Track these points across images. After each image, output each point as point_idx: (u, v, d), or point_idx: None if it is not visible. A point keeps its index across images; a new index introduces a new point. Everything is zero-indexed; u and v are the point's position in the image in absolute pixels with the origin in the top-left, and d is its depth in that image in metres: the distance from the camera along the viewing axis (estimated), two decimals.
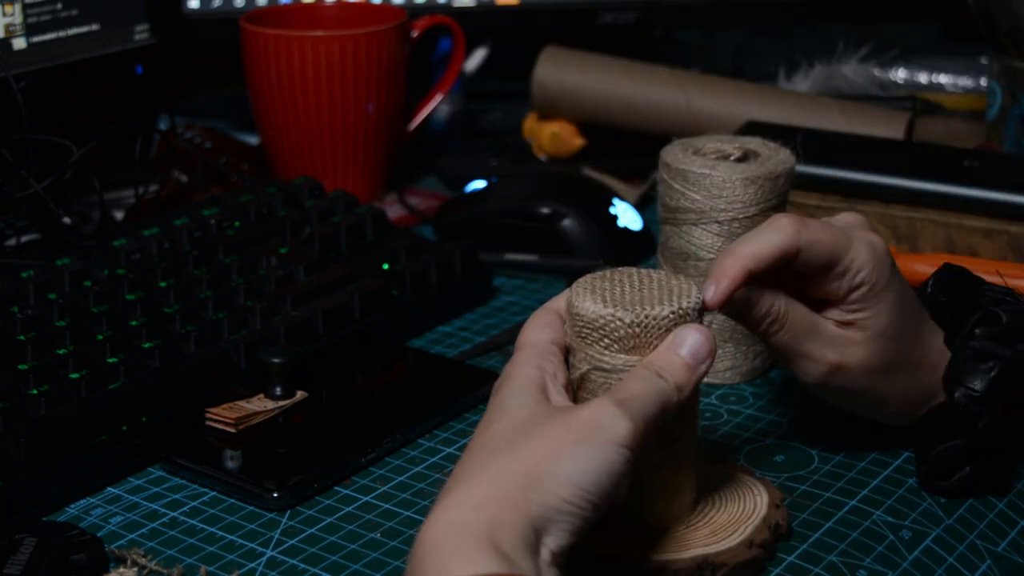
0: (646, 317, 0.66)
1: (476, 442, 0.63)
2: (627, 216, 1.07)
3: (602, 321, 0.66)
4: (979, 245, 1.01)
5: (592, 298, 0.67)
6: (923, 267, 0.98)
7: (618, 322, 0.66)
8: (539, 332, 0.68)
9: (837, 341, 0.74)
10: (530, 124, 1.26)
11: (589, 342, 0.67)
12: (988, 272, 0.97)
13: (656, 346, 0.66)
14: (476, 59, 1.34)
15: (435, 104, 1.22)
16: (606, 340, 0.67)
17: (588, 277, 0.69)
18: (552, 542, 0.60)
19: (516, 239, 1.05)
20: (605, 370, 0.67)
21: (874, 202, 1.05)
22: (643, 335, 0.66)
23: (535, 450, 0.61)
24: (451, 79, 1.22)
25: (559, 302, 0.70)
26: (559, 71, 1.22)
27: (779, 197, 0.87)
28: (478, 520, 0.58)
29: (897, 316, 0.74)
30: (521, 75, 1.25)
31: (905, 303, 0.75)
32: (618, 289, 0.68)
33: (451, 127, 1.33)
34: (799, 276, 0.73)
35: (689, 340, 0.66)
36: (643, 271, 0.70)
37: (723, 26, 1.46)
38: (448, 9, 1.26)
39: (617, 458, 0.61)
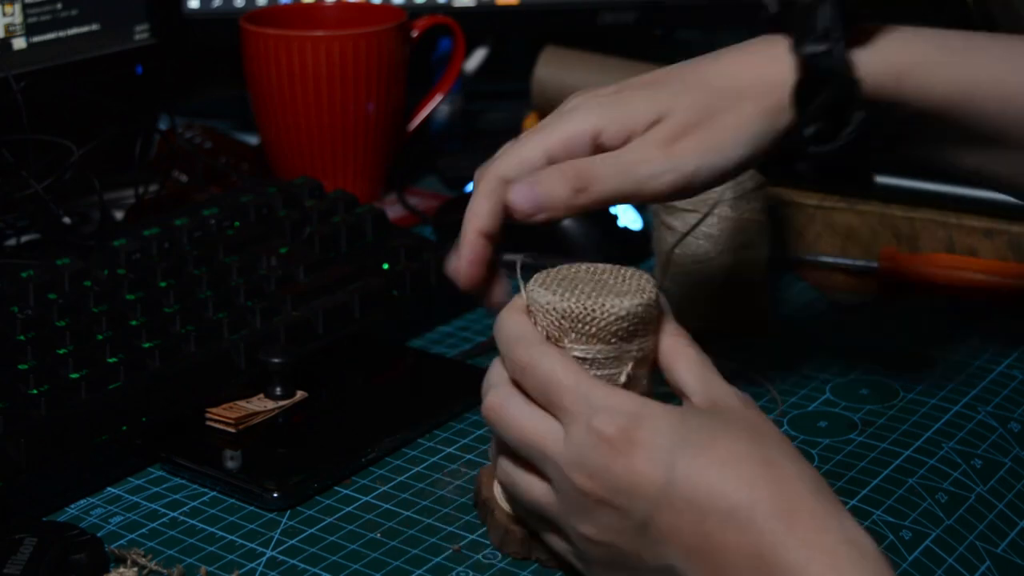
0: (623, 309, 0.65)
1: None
2: (627, 216, 1.07)
3: (581, 314, 0.65)
4: (979, 245, 1.01)
5: (558, 293, 0.66)
6: (923, 267, 0.98)
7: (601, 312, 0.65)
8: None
9: (645, 134, 0.70)
10: (530, 124, 1.26)
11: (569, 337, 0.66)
12: (988, 271, 0.97)
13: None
14: (476, 59, 1.34)
15: (435, 104, 1.22)
16: (579, 334, 0.66)
17: (542, 274, 0.69)
18: None
19: (516, 239, 1.05)
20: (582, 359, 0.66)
21: (874, 202, 1.05)
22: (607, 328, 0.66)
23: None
24: (451, 79, 1.22)
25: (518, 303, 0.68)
26: (559, 71, 1.22)
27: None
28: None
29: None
30: (521, 75, 1.25)
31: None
32: (579, 283, 0.67)
33: (451, 127, 1.32)
34: None
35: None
36: (584, 264, 0.69)
37: (723, 26, 1.46)
38: (448, 9, 1.26)
39: None
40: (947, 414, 0.84)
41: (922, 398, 0.86)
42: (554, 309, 0.66)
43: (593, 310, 0.65)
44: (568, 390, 0.63)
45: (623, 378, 0.66)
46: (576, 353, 0.66)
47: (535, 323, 0.67)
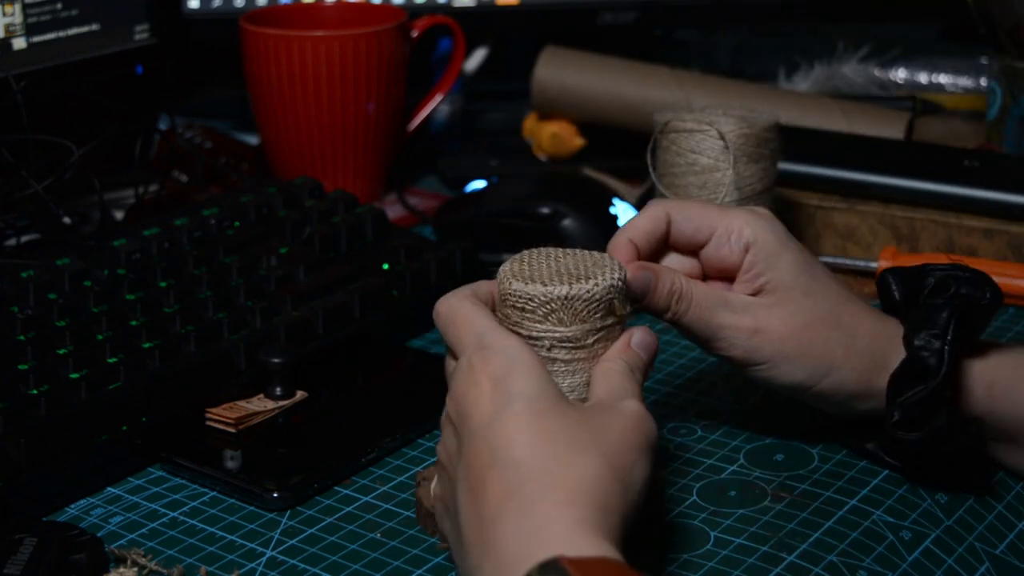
0: (583, 290, 0.68)
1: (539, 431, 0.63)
2: (627, 216, 1.07)
3: (543, 298, 0.68)
4: (979, 245, 1.01)
5: (523, 278, 0.69)
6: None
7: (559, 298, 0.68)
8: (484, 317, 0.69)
9: (749, 307, 0.75)
10: (530, 124, 1.26)
11: (532, 319, 0.68)
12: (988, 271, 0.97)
13: (585, 318, 0.68)
14: (476, 59, 1.34)
15: (435, 104, 1.22)
16: (542, 314, 0.68)
17: (509, 261, 0.71)
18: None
19: (516, 239, 1.05)
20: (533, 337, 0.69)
21: (874, 202, 1.05)
22: (577, 308, 0.68)
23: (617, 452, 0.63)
24: (451, 79, 1.22)
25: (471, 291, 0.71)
26: (559, 71, 1.22)
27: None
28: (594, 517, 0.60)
29: (802, 272, 0.76)
30: (521, 75, 1.25)
31: (808, 261, 0.77)
32: (543, 267, 0.70)
33: (451, 127, 1.32)
34: (695, 257, 0.78)
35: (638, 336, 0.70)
36: (555, 250, 0.72)
37: (723, 26, 1.46)
38: (448, 9, 1.26)
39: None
40: None
41: None
42: (510, 292, 0.69)
43: (540, 294, 0.68)
44: (463, 327, 0.68)
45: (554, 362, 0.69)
46: (528, 332, 0.69)
47: (499, 306, 0.70)
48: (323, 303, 0.91)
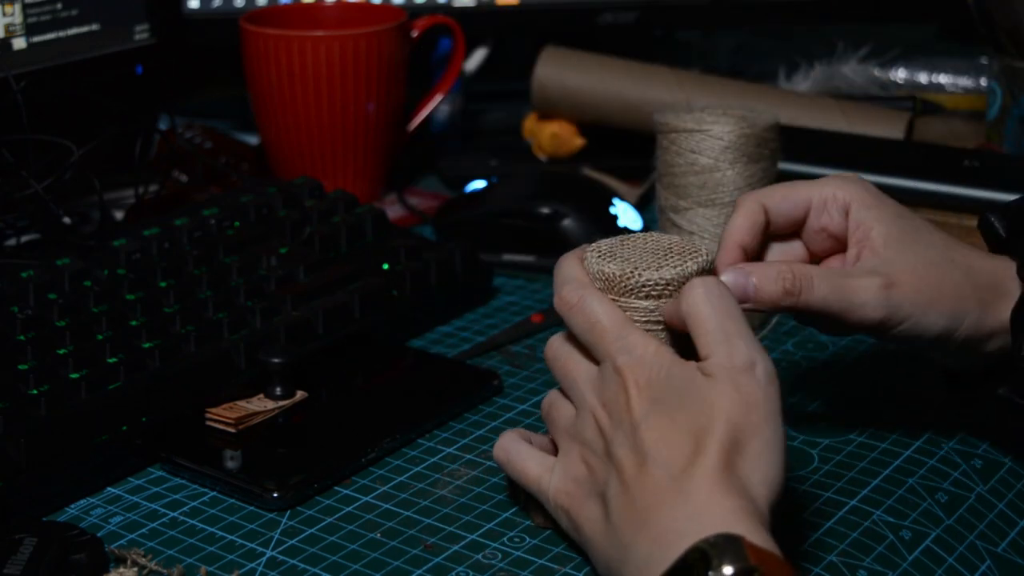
0: (703, 262, 0.70)
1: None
2: (627, 216, 1.07)
3: (680, 280, 0.69)
4: (979, 245, 1.01)
5: (615, 263, 0.71)
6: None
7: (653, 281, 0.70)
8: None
9: (874, 266, 0.74)
10: (530, 124, 1.26)
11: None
12: None
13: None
14: (476, 59, 1.34)
15: (435, 104, 1.22)
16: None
17: (598, 244, 0.72)
18: None
19: (516, 239, 1.05)
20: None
21: None
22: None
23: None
24: (451, 79, 1.22)
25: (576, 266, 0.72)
26: (559, 71, 1.22)
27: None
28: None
29: (906, 220, 0.76)
30: (521, 75, 1.25)
31: (905, 210, 0.77)
32: (635, 252, 0.72)
33: (451, 127, 1.32)
34: (796, 240, 0.78)
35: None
36: (638, 235, 0.74)
37: (723, 26, 1.46)
38: (448, 9, 1.26)
39: None
40: (948, 413, 0.84)
41: (924, 396, 0.86)
42: (600, 272, 0.71)
43: (629, 275, 0.70)
44: (606, 331, 0.68)
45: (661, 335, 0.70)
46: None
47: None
48: (323, 303, 0.91)
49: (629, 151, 1.22)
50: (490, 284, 1.02)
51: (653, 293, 0.70)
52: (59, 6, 1.05)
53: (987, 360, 0.76)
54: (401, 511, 0.76)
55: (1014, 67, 1.15)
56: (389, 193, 1.20)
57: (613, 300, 0.70)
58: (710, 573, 0.58)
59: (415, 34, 1.18)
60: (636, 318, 0.70)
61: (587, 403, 0.69)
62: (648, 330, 0.70)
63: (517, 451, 0.73)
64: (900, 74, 1.38)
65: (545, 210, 1.05)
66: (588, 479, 0.68)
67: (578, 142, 1.24)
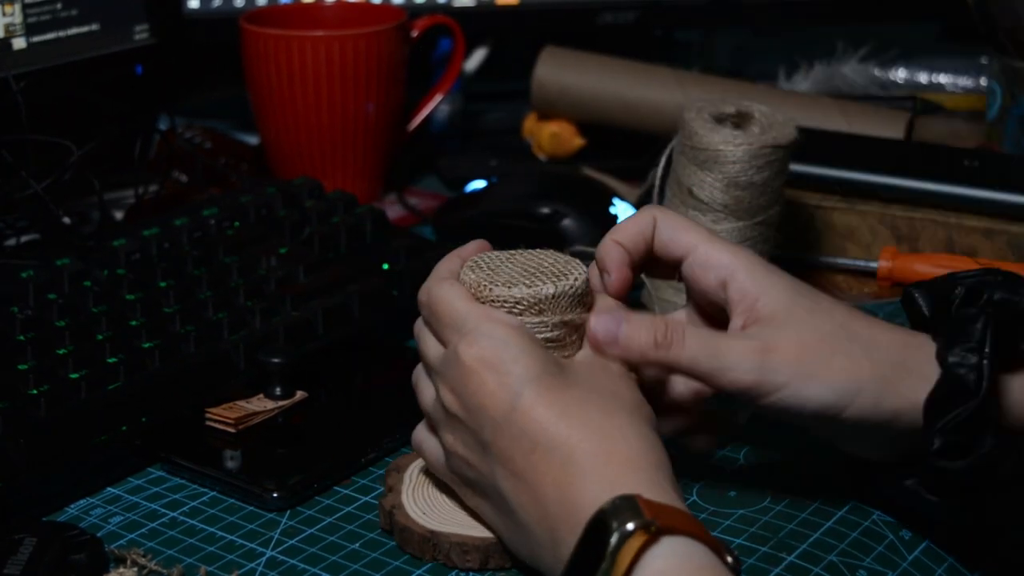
0: (566, 287, 0.70)
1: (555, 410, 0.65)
2: (627, 216, 1.07)
3: (532, 300, 0.69)
4: (979, 245, 1.01)
5: (500, 283, 0.70)
6: (923, 267, 0.98)
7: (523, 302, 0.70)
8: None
9: (754, 331, 0.70)
10: (530, 124, 1.26)
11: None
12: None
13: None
14: (476, 59, 1.34)
15: (435, 104, 1.22)
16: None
17: (470, 269, 0.72)
18: None
19: (516, 239, 1.05)
20: None
21: (874, 202, 1.05)
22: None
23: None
24: (451, 79, 1.22)
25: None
26: (559, 71, 1.22)
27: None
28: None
29: (799, 293, 0.71)
30: (521, 75, 1.25)
31: (802, 285, 0.72)
32: (507, 269, 0.72)
33: (451, 127, 1.32)
34: (688, 284, 0.74)
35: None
36: (501, 252, 0.74)
37: (723, 26, 1.46)
38: (448, 9, 1.26)
39: None
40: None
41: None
42: (493, 298, 0.70)
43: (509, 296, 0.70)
44: (446, 314, 0.69)
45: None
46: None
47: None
48: (323, 303, 0.91)
49: (629, 151, 1.22)
50: None
51: (506, 309, 0.69)
52: (59, 6, 1.05)
53: (891, 445, 0.71)
54: None
55: (1014, 67, 1.15)
56: (389, 193, 1.20)
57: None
58: (612, 535, 0.59)
59: (415, 34, 1.18)
60: None
61: (441, 395, 0.69)
62: None
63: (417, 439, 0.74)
64: (900, 74, 1.38)
65: (545, 210, 1.05)
66: (475, 479, 0.68)
67: (578, 142, 1.24)
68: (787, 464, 0.79)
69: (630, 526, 0.59)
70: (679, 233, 0.74)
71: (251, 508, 0.76)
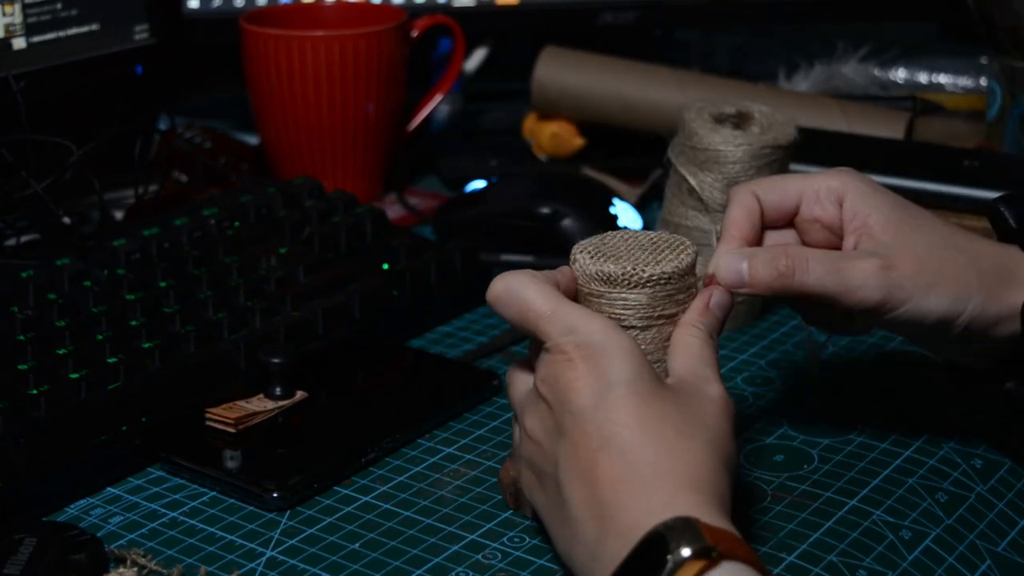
0: (671, 267, 0.70)
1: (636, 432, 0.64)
2: (627, 216, 1.07)
3: (632, 278, 0.70)
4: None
5: (601, 260, 0.71)
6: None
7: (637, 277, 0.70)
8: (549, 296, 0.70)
9: (872, 249, 0.73)
10: (530, 124, 1.26)
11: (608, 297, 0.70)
12: None
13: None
14: (476, 59, 1.34)
15: (435, 104, 1.22)
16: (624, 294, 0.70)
17: (585, 243, 0.73)
18: None
19: (516, 239, 1.05)
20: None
21: None
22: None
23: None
24: (451, 79, 1.22)
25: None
26: (559, 71, 1.22)
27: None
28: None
29: (903, 208, 0.75)
30: (521, 75, 1.25)
31: (903, 200, 0.76)
32: (620, 247, 0.72)
33: (451, 127, 1.32)
34: (799, 233, 0.77)
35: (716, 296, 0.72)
36: (631, 232, 0.74)
37: (723, 26, 1.46)
38: (448, 9, 1.26)
39: None
40: (948, 413, 0.84)
41: (924, 397, 0.86)
42: (586, 271, 0.71)
43: (625, 272, 0.70)
44: (543, 315, 0.68)
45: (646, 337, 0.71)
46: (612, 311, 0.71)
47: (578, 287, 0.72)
48: (323, 303, 0.91)
49: (629, 151, 1.22)
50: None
51: (656, 287, 0.70)
52: (59, 6, 1.05)
53: (992, 352, 0.75)
54: (401, 511, 0.76)
55: (1014, 67, 1.15)
56: (389, 193, 1.20)
57: (605, 297, 0.70)
58: (669, 556, 0.58)
59: (415, 34, 1.18)
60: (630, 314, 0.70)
61: (536, 385, 0.69)
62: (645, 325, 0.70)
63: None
64: (900, 74, 1.38)
65: (545, 210, 1.05)
66: (541, 466, 0.68)
67: (578, 142, 1.24)
68: (786, 463, 0.79)
69: (687, 551, 0.58)
70: (783, 187, 0.77)
71: (251, 508, 0.76)
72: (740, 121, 0.94)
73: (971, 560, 0.72)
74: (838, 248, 0.75)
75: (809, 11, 1.34)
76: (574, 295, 0.71)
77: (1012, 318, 0.72)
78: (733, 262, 0.72)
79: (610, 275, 0.70)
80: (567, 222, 1.04)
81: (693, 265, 0.71)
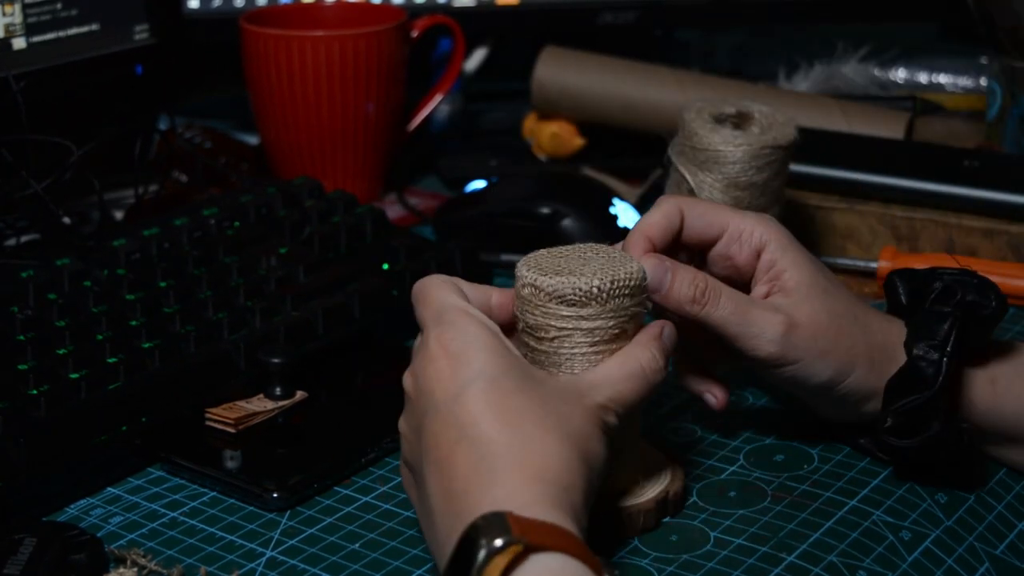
0: (613, 280, 0.69)
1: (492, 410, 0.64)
2: (627, 216, 1.07)
3: (564, 290, 0.69)
4: (979, 245, 1.01)
5: (546, 273, 0.70)
6: (923, 267, 0.98)
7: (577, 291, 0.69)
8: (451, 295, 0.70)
9: (779, 304, 0.75)
10: (530, 124, 1.26)
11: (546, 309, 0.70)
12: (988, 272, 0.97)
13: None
14: (476, 59, 1.34)
15: (435, 104, 1.22)
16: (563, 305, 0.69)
17: (529, 257, 0.72)
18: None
19: (516, 239, 1.05)
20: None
21: (874, 202, 1.05)
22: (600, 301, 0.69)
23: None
24: (451, 79, 1.22)
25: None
26: (559, 71, 1.22)
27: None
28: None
29: (818, 270, 0.77)
30: (521, 75, 1.25)
31: (818, 262, 0.78)
32: (561, 262, 0.71)
33: (451, 127, 1.32)
34: (708, 264, 0.78)
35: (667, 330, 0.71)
36: (567, 247, 0.73)
37: (723, 26, 1.46)
38: (448, 9, 1.26)
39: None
40: None
41: None
42: (529, 284, 0.70)
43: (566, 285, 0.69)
44: (428, 305, 0.70)
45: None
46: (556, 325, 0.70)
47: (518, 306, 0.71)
48: (323, 303, 0.91)
49: (629, 151, 1.22)
50: (490, 284, 1.02)
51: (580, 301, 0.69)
52: (59, 6, 1.05)
53: (858, 415, 0.78)
54: (401, 511, 0.76)
55: (1014, 67, 1.15)
56: (389, 193, 1.20)
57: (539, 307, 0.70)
58: (478, 550, 0.58)
59: (415, 34, 1.18)
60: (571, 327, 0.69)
61: (404, 378, 0.69)
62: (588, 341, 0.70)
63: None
64: (900, 74, 1.38)
65: (545, 210, 1.05)
66: (411, 461, 0.68)
67: (578, 142, 1.24)
68: (787, 463, 0.79)
69: (498, 543, 0.58)
70: (710, 216, 0.78)
71: (251, 508, 0.76)
72: (740, 121, 0.94)
73: (970, 562, 0.72)
74: (739, 290, 0.76)
75: (809, 11, 1.34)
76: (509, 313, 0.72)
77: (881, 395, 0.76)
78: (659, 269, 0.74)
79: (543, 287, 0.70)
80: (567, 222, 1.04)
81: (637, 279, 0.70)
